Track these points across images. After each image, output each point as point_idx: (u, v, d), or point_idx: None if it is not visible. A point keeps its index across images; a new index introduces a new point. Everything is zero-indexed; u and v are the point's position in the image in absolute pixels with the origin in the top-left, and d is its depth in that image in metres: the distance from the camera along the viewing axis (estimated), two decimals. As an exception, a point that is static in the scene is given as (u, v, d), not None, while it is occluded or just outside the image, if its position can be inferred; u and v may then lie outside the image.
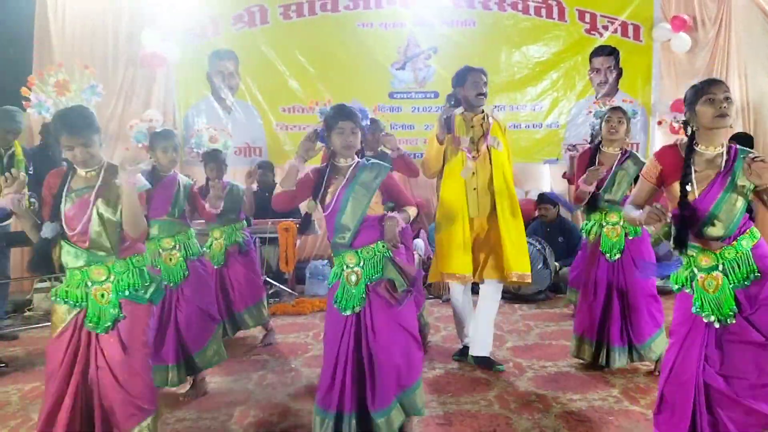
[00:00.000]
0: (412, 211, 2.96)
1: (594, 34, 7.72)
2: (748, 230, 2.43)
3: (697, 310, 2.43)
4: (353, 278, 2.80)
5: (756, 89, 7.48)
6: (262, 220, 5.98)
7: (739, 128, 7.54)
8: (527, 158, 7.76)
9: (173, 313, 3.56)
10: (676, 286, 2.53)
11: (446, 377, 3.84)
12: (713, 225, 2.39)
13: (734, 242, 2.40)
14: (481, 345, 4.03)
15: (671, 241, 2.46)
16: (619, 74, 7.72)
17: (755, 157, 2.31)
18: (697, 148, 2.47)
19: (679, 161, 2.46)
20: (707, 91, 2.41)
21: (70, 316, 2.50)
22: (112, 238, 2.52)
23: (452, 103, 3.88)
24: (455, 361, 4.16)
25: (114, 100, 7.26)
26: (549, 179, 7.92)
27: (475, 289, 4.16)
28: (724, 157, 2.43)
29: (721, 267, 2.41)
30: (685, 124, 2.53)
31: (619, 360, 3.70)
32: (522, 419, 3.15)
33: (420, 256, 6.62)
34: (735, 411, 2.35)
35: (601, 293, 3.78)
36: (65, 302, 2.51)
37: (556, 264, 6.23)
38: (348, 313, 2.77)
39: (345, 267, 2.83)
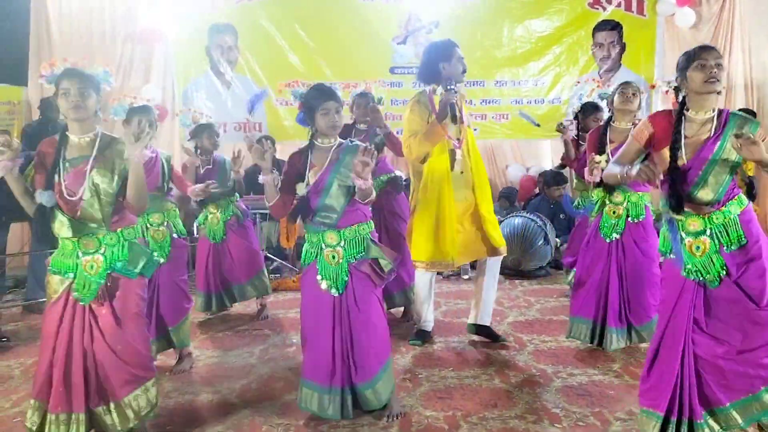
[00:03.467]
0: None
1: (597, 8, 7.62)
2: (736, 196, 2.45)
3: (687, 272, 2.46)
4: (334, 258, 2.83)
5: (760, 65, 7.40)
6: (261, 196, 5.95)
7: (742, 104, 7.49)
8: (529, 134, 7.72)
9: (154, 289, 3.58)
10: (663, 252, 2.58)
11: (447, 352, 3.86)
12: (703, 189, 2.41)
13: (723, 207, 2.42)
14: (482, 315, 4.03)
15: (666, 206, 2.48)
16: (622, 49, 7.63)
17: (740, 135, 2.28)
18: (687, 113, 2.48)
19: (670, 126, 2.48)
20: (698, 57, 2.42)
21: (62, 286, 2.53)
22: (104, 210, 2.54)
23: (453, 89, 3.62)
24: (411, 345, 4.02)
25: (113, 76, 7.17)
26: (550, 155, 7.88)
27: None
28: (714, 123, 2.44)
29: (708, 231, 2.43)
30: (677, 90, 2.56)
31: (617, 342, 3.66)
32: (523, 393, 3.17)
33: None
34: (720, 375, 2.40)
35: (598, 274, 3.72)
36: (56, 273, 2.54)
37: (557, 240, 6.23)
38: (333, 292, 2.81)
39: (324, 246, 2.85)
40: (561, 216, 6.53)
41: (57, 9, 7.18)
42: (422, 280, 4.04)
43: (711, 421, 2.42)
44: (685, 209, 2.45)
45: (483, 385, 3.30)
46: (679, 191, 2.41)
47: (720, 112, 2.47)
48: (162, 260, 3.56)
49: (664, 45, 7.57)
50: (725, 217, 2.42)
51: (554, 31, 7.66)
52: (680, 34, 7.58)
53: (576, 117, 4.83)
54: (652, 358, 2.53)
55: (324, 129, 2.85)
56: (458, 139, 3.77)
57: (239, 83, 7.61)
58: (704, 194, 2.42)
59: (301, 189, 2.94)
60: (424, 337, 4.09)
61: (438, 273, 6.20)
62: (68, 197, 2.50)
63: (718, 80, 2.40)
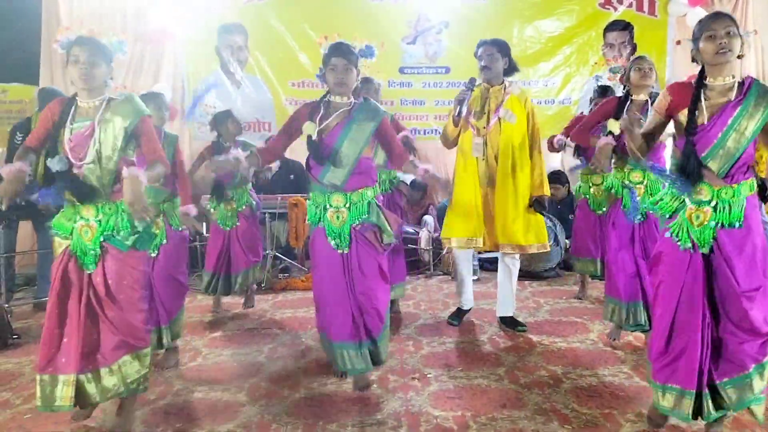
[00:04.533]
0: (416, 161, 3.03)
1: (608, 9, 7.61)
2: (749, 179, 2.44)
3: (676, 238, 2.48)
4: (338, 218, 2.92)
5: (772, 64, 7.38)
6: (271, 196, 5.98)
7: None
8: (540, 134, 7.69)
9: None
10: (664, 215, 2.58)
11: (456, 352, 3.85)
12: (716, 155, 2.39)
13: (735, 185, 2.41)
14: (505, 306, 4.32)
15: (679, 171, 2.48)
16: (633, 49, 7.59)
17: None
18: (706, 81, 2.48)
19: (689, 92, 2.48)
20: (708, 27, 2.42)
21: (61, 248, 2.58)
22: (105, 177, 2.55)
23: (470, 85, 3.93)
24: (449, 324, 4.40)
25: (123, 74, 7.21)
26: (559, 156, 7.84)
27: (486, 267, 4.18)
28: (735, 89, 2.42)
29: (714, 203, 2.42)
30: (693, 59, 2.56)
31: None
32: (532, 394, 3.15)
33: (429, 232, 6.62)
34: (723, 350, 2.41)
35: (626, 254, 3.69)
36: (57, 234, 2.59)
37: (567, 241, 6.20)
38: (343, 250, 2.95)
39: (328, 206, 2.94)
40: (570, 217, 6.49)
41: (68, 8, 7.22)
42: (460, 260, 4.36)
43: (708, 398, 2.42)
44: (702, 178, 2.43)
45: (492, 386, 3.28)
46: (694, 153, 2.40)
47: (744, 79, 2.45)
48: (153, 253, 3.55)
49: (675, 46, 7.53)
50: (734, 195, 2.40)
51: (564, 32, 7.66)
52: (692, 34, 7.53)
53: (595, 97, 4.79)
54: (668, 333, 2.50)
55: (331, 85, 2.94)
56: (482, 128, 4.04)
57: (249, 83, 7.65)
58: (717, 161, 2.39)
59: (310, 128, 2.96)
60: (460, 316, 4.43)
61: (446, 273, 6.25)
62: (80, 158, 2.52)
63: (729, 50, 2.37)
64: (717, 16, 2.44)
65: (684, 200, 2.50)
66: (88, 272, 2.57)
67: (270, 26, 7.57)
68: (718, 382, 2.42)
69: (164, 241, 3.62)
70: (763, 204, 2.58)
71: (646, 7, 7.56)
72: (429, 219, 6.95)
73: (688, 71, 7.15)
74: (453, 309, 4.77)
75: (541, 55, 7.69)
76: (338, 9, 7.57)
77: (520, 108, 4.07)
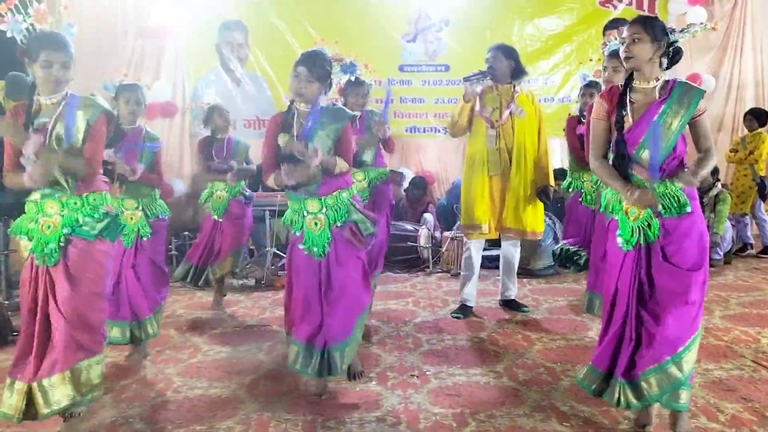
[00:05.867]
0: (342, 166, 2.97)
1: (608, 7, 7.61)
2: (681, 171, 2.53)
3: (619, 235, 2.59)
4: (316, 224, 2.93)
5: (771, 63, 7.38)
6: (271, 193, 5.97)
7: (752, 102, 7.45)
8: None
9: (129, 272, 3.62)
10: (605, 210, 2.72)
11: (455, 349, 3.86)
12: (645, 150, 2.49)
13: (667, 180, 2.49)
14: (508, 290, 4.77)
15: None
16: (633, 48, 7.60)
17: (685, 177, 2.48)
18: (632, 83, 2.59)
19: (619, 96, 2.60)
20: (622, 34, 2.58)
21: (27, 251, 2.54)
22: (67, 173, 2.50)
23: (480, 73, 4.26)
24: (453, 318, 4.51)
25: (123, 72, 7.19)
26: (559, 154, 7.86)
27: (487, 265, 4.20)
28: (659, 90, 2.54)
29: None
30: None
31: None
32: (531, 392, 3.16)
33: (429, 230, 6.63)
34: (646, 341, 2.49)
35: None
36: (17, 235, 2.56)
37: (566, 239, 6.20)
38: (320, 257, 2.94)
39: (306, 213, 2.95)
40: (570, 215, 6.50)
41: (68, 3, 7.19)
42: (465, 255, 4.62)
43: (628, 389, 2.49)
44: (633, 174, 2.54)
45: (491, 383, 3.29)
46: (623, 157, 2.53)
47: (667, 80, 2.57)
48: (128, 245, 3.59)
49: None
50: (667, 188, 2.49)
51: (565, 30, 7.66)
52: (692, 33, 7.53)
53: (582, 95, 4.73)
54: (607, 322, 2.65)
55: (292, 92, 2.95)
56: (495, 121, 4.34)
57: (249, 80, 7.65)
58: (645, 156, 2.50)
59: (283, 138, 2.95)
60: (465, 311, 4.58)
61: (447, 271, 6.26)
62: (32, 158, 2.45)
63: (630, 57, 2.50)
64: (630, 23, 2.58)
65: (620, 197, 2.61)
66: (48, 266, 2.50)
67: (270, 23, 7.57)
68: (640, 372, 2.48)
69: (145, 237, 3.67)
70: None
71: (645, 6, 7.57)
72: (429, 217, 6.96)
73: (687, 71, 7.18)
74: (452, 306, 4.79)
75: (541, 53, 7.69)
76: (339, 7, 7.58)
77: (529, 105, 4.45)
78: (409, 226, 6.80)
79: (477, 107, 4.35)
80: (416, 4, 7.64)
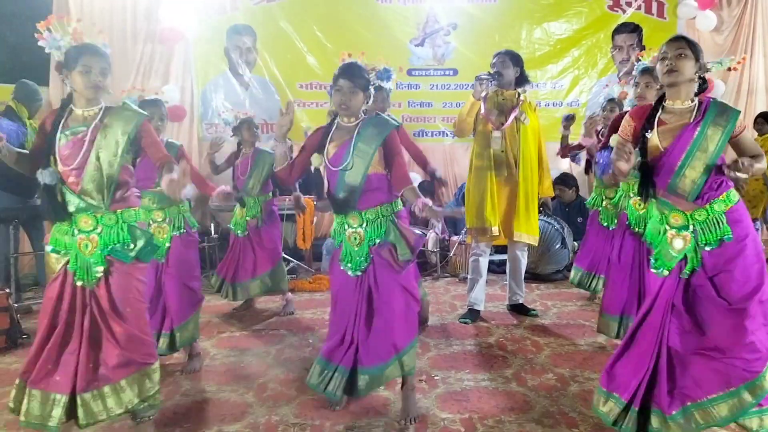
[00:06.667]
0: (410, 191, 2.84)
1: (617, 11, 7.59)
2: (723, 194, 2.43)
3: (654, 265, 2.50)
4: (356, 239, 2.82)
5: (781, 68, 7.34)
6: (279, 197, 5.98)
7: (763, 106, 7.42)
8: (547, 137, 7.61)
9: (160, 288, 3.59)
10: (652, 243, 2.59)
11: (463, 354, 3.85)
12: (682, 178, 2.40)
13: (706, 205, 2.40)
14: (516, 295, 4.79)
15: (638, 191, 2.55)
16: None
17: (733, 166, 2.29)
18: (665, 103, 2.51)
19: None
20: (662, 50, 2.47)
21: (59, 265, 2.51)
22: (106, 186, 2.49)
23: (491, 75, 4.30)
24: (461, 323, 4.51)
25: (132, 75, 7.25)
26: (568, 159, 7.83)
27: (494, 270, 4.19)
28: (695, 111, 2.44)
29: (691, 228, 2.43)
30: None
31: None
32: (540, 397, 3.15)
33: (436, 234, 6.62)
34: (696, 369, 2.37)
35: (626, 269, 3.68)
36: (54, 251, 2.52)
37: (575, 243, 6.18)
38: (356, 274, 2.81)
39: (347, 227, 2.85)
40: (578, 219, 6.48)
41: (78, 9, 7.24)
42: (472, 259, 4.63)
43: (687, 416, 2.38)
44: (668, 202, 2.47)
45: (500, 388, 3.28)
46: (647, 179, 2.45)
47: (701, 101, 2.47)
48: (161, 260, 3.54)
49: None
50: (708, 215, 2.40)
51: (573, 34, 7.64)
52: (701, 37, 7.51)
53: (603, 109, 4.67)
54: (626, 343, 2.54)
55: (336, 106, 2.84)
56: (501, 123, 4.36)
57: (257, 84, 7.66)
58: (684, 184, 2.40)
59: (317, 160, 2.91)
60: (473, 316, 4.58)
61: (454, 275, 6.25)
62: (65, 167, 2.47)
63: (674, 70, 2.41)
64: (672, 39, 2.47)
65: (666, 226, 2.50)
66: (90, 288, 2.48)
67: (279, 28, 7.58)
68: (695, 402, 2.37)
69: (168, 245, 3.61)
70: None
71: (654, 10, 7.54)
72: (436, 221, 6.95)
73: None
74: (460, 311, 4.78)
75: (550, 57, 7.67)
76: (347, 11, 7.58)
77: (532, 113, 4.51)
78: (417, 231, 6.77)
79: (483, 110, 4.37)
80: (424, 8, 7.63)
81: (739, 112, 2.45)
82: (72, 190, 2.49)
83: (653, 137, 2.48)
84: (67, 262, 2.50)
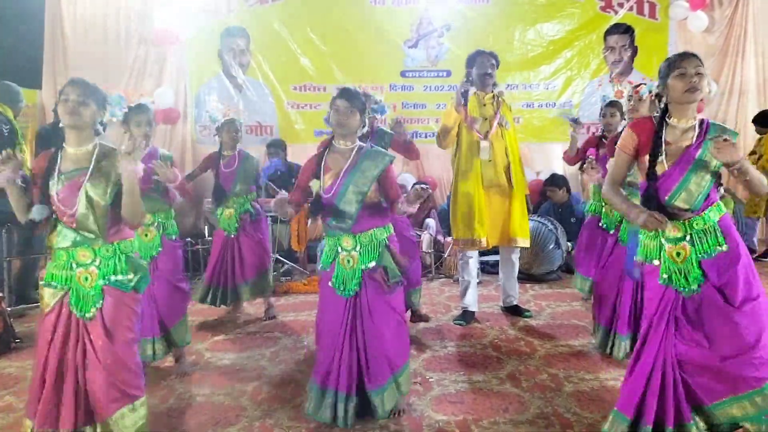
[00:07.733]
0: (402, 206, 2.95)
1: (609, 12, 7.62)
2: (714, 203, 2.46)
3: (664, 280, 2.48)
4: (348, 262, 2.87)
5: (773, 68, 7.38)
6: (273, 199, 5.98)
7: (755, 107, 7.45)
8: (539, 138, 7.70)
9: (150, 288, 3.54)
10: (647, 258, 2.57)
11: (458, 356, 3.85)
12: (682, 196, 2.42)
13: (702, 213, 2.43)
14: (510, 297, 4.78)
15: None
16: (634, 53, 7.62)
17: (718, 136, 2.34)
18: (669, 121, 2.50)
19: (652, 133, 2.50)
20: (678, 66, 2.42)
21: (54, 299, 2.48)
22: (100, 222, 2.49)
23: (469, 79, 4.35)
24: (455, 324, 4.50)
25: (126, 78, 7.24)
26: (560, 160, 7.85)
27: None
28: (696, 131, 2.45)
29: (688, 237, 2.44)
30: (659, 96, 2.56)
31: (624, 350, 3.62)
32: (534, 398, 3.16)
33: (431, 235, 6.63)
34: (705, 377, 2.39)
35: (614, 279, 3.71)
36: (49, 285, 2.49)
37: (568, 244, 6.20)
38: (347, 295, 2.85)
39: (340, 249, 2.90)
40: (572, 220, 6.50)
41: (71, 11, 7.24)
42: (462, 262, 4.59)
43: (698, 420, 2.41)
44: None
45: (494, 390, 3.29)
46: (656, 198, 2.44)
47: (701, 121, 2.48)
48: (144, 261, 3.54)
49: (676, 49, 7.53)
50: (705, 223, 2.43)
51: (566, 35, 7.67)
52: (692, 37, 7.56)
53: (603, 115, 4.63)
54: (633, 362, 2.53)
55: (333, 126, 2.91)
56: (486, 132, 4.31)
57: (251, 86, 7.66)
58: (683, 202, 2.42)
59: (315, 185, 2.94)
60: (467, 317, 4.57)
61: (449, 276, 6.26)
62: (63, 209, 2.47)
63: (697, 89, 2.40)
64: (687, 56, 2.45)
65: (660, 240, 2.51)
66: (85, 321, 2.47)
67: (272, 30, 7.58)
68: (702, 406, 2.40)
69: (159, 249, 3.65)
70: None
71: (646, 11, 7.58)
72: (431, 222, 6.95)
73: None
74: (455, 312, 4.78)
75: (543, 58, 7.70)
76: (341, 13, 7.59)
77: (509, 115, 4.50)
78: (411, 232, 6.78)
79: (467, 120, 4.29)
80: (418, 9, 7.65)
81: (737, 134, 2.48)
82: (69, 226, 2.48)
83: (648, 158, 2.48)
84: (63, 296, 2.49)
